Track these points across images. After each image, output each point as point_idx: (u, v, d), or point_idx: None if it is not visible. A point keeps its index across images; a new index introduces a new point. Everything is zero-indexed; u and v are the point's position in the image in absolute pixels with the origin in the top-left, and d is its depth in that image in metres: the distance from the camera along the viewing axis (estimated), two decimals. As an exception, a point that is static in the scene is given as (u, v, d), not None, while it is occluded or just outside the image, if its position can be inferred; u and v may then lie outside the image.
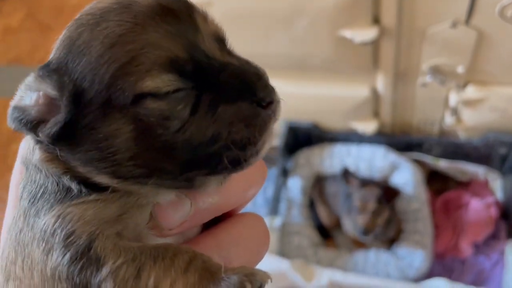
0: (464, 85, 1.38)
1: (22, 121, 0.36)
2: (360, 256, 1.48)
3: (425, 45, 1.25)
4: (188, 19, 0.37)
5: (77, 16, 0.38)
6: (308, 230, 1.55)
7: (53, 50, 0.38)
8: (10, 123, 0.36)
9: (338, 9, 1.17)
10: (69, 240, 0.35)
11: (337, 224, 1.59)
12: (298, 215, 1.56)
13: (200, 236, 0.43)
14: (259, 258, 0.44)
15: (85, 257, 0.34)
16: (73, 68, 0.35)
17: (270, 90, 0.37)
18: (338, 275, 1.35)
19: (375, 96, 1.46)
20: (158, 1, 0.37)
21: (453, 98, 1.41)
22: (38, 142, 0.38)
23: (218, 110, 0.36)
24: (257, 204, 1.67)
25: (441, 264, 1.51)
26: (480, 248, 1.52)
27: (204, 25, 0.38)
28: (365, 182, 1.51)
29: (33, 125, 0.36)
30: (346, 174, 1.52)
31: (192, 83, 0.36)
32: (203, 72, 0.36)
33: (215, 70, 0.37)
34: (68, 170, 0.37)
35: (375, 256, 1.48)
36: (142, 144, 0.36)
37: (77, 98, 0.35)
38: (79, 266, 0.34)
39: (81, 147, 0.36)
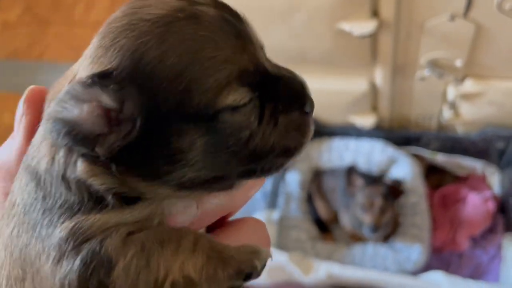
0: (462, 79, 1.38)
1: (77, 136, 0.32)
2: (358, 250, 1.49)
3: (423, 38, 1.25)
4: (244, 30, 0.38)
5: (124, 16, 0.36)
6: (306, 223, 1.55)
7: (101, 56, 0.35)
8: (57, 138, 0.33)
9: (337, 2, 1.17)
10: (82, 246, 0.33)
11: (335, 218, 1.60)
12: (296, 209, 1.56)
13: None
14: None
15: (96, 258, 0.33)
16: (143, 82, 0.34)
17: (312, 101, 0.41)
18: (336, 268, 1.36)
19: (374, 90, 1.46)
20: (221, 13, 0.37)
21: (451, 92, 1.41)
22: (84, 155, 0.35)
23: (278, 120, 0.39)
24: (255, 198, 1.67)
25: (439, 258, 1.51)
26: (477, 242, 1.52)
27: (252, 35, 0.39)
28: (369, 181, 1.51)
29: (90, 139, 0.33)
30: (350, 173, 1.52)
31: (256, 92, 0.37)
32: (263, 82, 0.38)
33: (272, 81, 0.39)
34: (115, 186, 0.35)
35: (373, 250, 1.48)
36: (211, 155, 0.36)
37: (144, 112, 0.34)
38: (90, 270, 0.33)
39: (147, 162, 0.35)
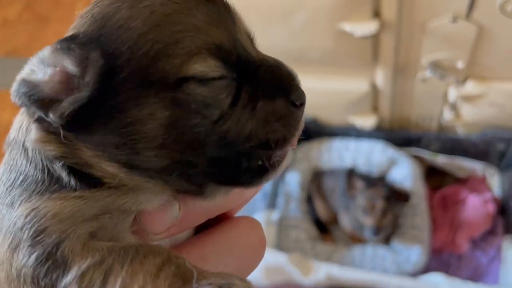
0: (464, 80, 1.37)
1: (32, 97, 0.32)
2: (357, 251, 1.49)
3: (425, 40, 1.25)
4: (228, 12, 0.36)
5: None
6: (305, 224, 1.55)
7: (77, 24, 0.35)
8: (15, 98, 0.32)
9: (338, 2, 1.17)
10: (37, 238, 0.32)
11: (335, 219, 1.59)
12: (296, 210, 1.56)
13: (186, 244, 0.39)
14: (251, 269, 0.41)
15: (52, 258, 0.31)
16: (107, 43, 0.32)
17: (302, 92, 0.37)
18: (335, 270, 1.36)
19: (374, 90, 1.45)
20: None
21: (452, 93, 1.41)
22: (38, 120, 0.34)
23: (257, 105, 0.35)
24: (255, 198, 1.66)
25: (438, 259, 1.51)
26: (477, 243, 1.52)
27: (238, 21, 0.37)
28: (370, 182, 1.50)
29: (44, 103, 0.32)
30: (350, 176, 1.51)
31: (232, 73, 0.35)
32: (243, 64, 0.36)
33: (254, 65, 0.36)
34: (66, 155, 0.34)
35: (372, 251, 1.48)
36: (173, 133, 0.33)
37: (106, 77, 0.32)
38: (44, 269, 0.31)
39: (97, 130, 0.33)
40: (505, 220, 1.53)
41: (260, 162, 0.36)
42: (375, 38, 1.25)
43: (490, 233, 1.53)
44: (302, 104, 0.37)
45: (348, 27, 1.20)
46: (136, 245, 0.33)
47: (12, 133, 0.37)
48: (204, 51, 0.33)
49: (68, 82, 0.32)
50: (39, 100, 0.32)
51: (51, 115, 0.32)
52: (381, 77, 1.40)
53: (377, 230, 1.43)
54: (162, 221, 0.37)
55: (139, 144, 0.33)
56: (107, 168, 0.34)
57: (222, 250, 0.39)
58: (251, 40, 0.38)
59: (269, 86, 0.36)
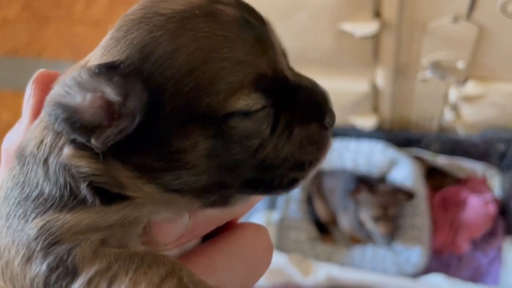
0: (464, 81, 1.37)
1: (74, 124, 0.31)
2: (357, 251, 1.48)
3: (425, 40, 1.25)
4: (266, 34, 0.36)
5: (140, 10, 0.34)
6: (305, 224, 1.54)
7: (112, 47, 0.34)
8: (54, 123, 0.32)
9: (339, 2, 1.16)
10: (51, 249, 0.32)
11: (334, 219, 1.59)
12: (296, 210, 1.55)
13: (194, 253, 0.39)
14: (258, 277, 0.41)
15: (62, 265, 0.32)
16: (151, 77, 0.32)
17: (333, 114, 0.38)
18: (335, 270, 1.36)
19: (375, 91, 1.45)
20: (241, 13, 0.35)
21: (453, 94, 1.40)
22: (74, 141, 0.33)
23: (294, 131, 0.36)
24: (254, 199, 1.66)
25: (439, 260, 1.51)
26: (477, 244, 1.52)
27: (274, 40, 0.37)
28: (376, 188, 1.50)
29: (87, 129, 0.32)
30: (358, 182, 1.50)
31: (271, 100, 0.35)
32: (281, 90, 0.36)
33: (291, 89, 0.37)
34: (98, 173, 0.34)
35: (372, 252, 1.48)
36: (214, 161, 0.34)
37: (149, 109, 0.32)
38: (55, 275, 0.32)
39: (139, 154, 0.33)
40: (506, 221, 1.53)
41: (291, 179, 0.38)
42: (375, 38, 1.25)
43: (491, 234, 1.53)
44: (333, 124, 0.39)
45: (348, 27, 1.19)
46: (142, 253, 0.33)
47: (29, 147, 0.35)
48: (248, 85, 0.34)
49: (108, 109, 0.32)
50: (82, 127, 0.31)
51: (93, 141, 0.32)
52: (381, 77, 1.39)
53: (390, 237, 1.44)
54: (172, 232, 0.37)
55: (180, 171, 0.34)
56: (145, 188, 0.34)
57: (230, 259, 0.39)
58: (286, 58, 0.39)
59: (305, 111, 0.37)
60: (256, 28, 0.35)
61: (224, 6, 0.35)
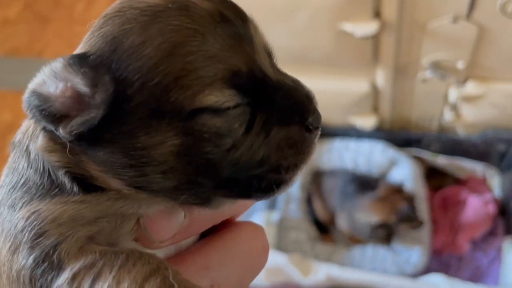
0: (464, 81, 1.37)
1: (43, 112, 0.32)
2: (357, 251, 1.48)
3: (425, 40, 1.25)
4: (245, 29, 0.35)
5: (118, 4, 0.35)
6: (305, 224, 1.54)
7: (88, 40, 0.34)
8: (26, 109, 0.32)
9: (339, 3, 1.16)
10: (37, 241, 0.32)
11: (333, 220, 1.59)
12: (296, 210, 1.55)
13: (190, 252, 0.39)
14: (253, 276, 0.41)
15: (48, 260, 0.32)
16: (118, 70, 0.32)
17: (318, 115, 0.37)
18: (335, 270, 1.36)
19: (375, 91, 1.45)
20: (218, 8, 0.34)
21: (453, 94, 1.40)
22: (45, 129, 0.34)
23: (271, 132, 0.35)
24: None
25: (439, 260, 1.51)
26: (477, 244, 1.52)
27: (256, 37, 0.36)
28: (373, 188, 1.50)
29: (55, 118, 0.32)
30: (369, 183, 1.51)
31: (247, 99, 0.34)
32: (259, 88, 0.35)
33: (270, 88, 0.35)
34: (70, 166, 0.34)
35: (372, 252, 1.48)
36: (183, 159, 0.33)
37: (115, 101, 0.32)
38: (41, 270, 0.32)
39: (105, 148, 0.33)
40: (506, 221, 1.53)
41: (270, 182, 0.36)
42: (375, 39, 1.25)
43: (491, 234, 1.53)
44: (317, 128, 0.37)
45: (348, 27, 1.20)
46: (128, 251, 0.33)
47: (18, 135, 0.37)
48: (219, 81, 0.32)
49: (78, 100, 0.32)
50: (50, 115, 0.32)
51: (60, 130, 0.32)
52: (381, 77, 1.40)
53: (388, 244, 1.42)
54: (167, 229, 0.37)
55: (147, 167, 0.33)
56: (112, 184, 0.35)
57: (226, 258, 0.39)
58: (269, 56, 0.37)
59: (284, 111, 0.35)
60: (233, 24, 0.34)
61: (200, 0, 0.34)
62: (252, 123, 0.35)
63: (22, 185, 0.35)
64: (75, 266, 0.32)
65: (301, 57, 1.32)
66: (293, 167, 0.36)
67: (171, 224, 0.37)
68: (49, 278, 0.32)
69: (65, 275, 0.31)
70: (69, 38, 2.25)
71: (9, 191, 0.35)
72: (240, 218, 0.43)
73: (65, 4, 2.38)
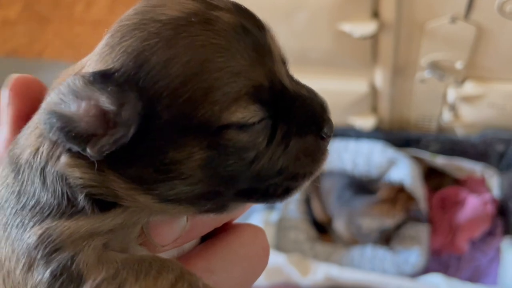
0: (463, 81, 1.37)
1: (70, 133, 0.31)
2: (356, 252, 1.49)
3: (424, 40, 1.25)
4: (264, 42, 0.35)
5: (136, 15, 0.34)
6: (304, 224, 1.55)
7: (107, 53, 0.33)
8: (48, 132, 0.31)
9: (338, 3, 1.17)
10: (52, 256, 0.32)
11: (331, 220, 1.59)
12: (295, 210, 1.56)
13: (191, 256, 0.39)
14: (255, 278, 0.42)
15: (66, 272, 0.31)
16: (145, 87, 0.32)
17: (331, 124, 0.38)
18: (334, 270, 1.36)
19: (374, 91, 1.46)
20: (239, 20, 0.34)
21: (451, 94, 1.41)
22: (71, 150, 0.33)
23: (290, 143, 0.36)
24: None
25: (437, 261, 1.51)
26: (476, 244, 1.52)
27: (274, 47, 0.36)
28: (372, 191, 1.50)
29: (82, 138, 0.31)
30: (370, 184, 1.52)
31: (269, 112, 0.35)
32: (279, 101, 0.35)
33: (289, 100, 0.36)
34: (94, 184, 0.33)
35: (371, 252, 1.48)
36: (208, 172, 0.34)
37: (143, 118, 0.32)
38: (59, 283, 0.31)
39: (134, 164, 0.33)
40: (504, 221, 1.53)
41: (285, 189, 0.38)
42: (374, 39, 1.25)
43: (489, 234, 1.53)
44: (330, 134, 0.38)
45: (347, 27, 1.20)
46: (149, 259, 0.33)
47: (24, 155, 0.35)
48: (244, 96, 0.33)
49: (103, 118, 0.31)
50: (77, 136, 0.31)
51: (88, 150, 0.32)
52: (380, 77, 1.40)
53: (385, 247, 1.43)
54: (169, 233, 0.37)
55: (176, 181, 0.34)
56: (141, 199, 0.34)
57: (227, 261, 0.39)
58: (285, 65, 0.38)
59: (302, 122, 0.36)
60: (254, 36, 0.34)
61: (221, 12, 0.34)
62: (273, 135, 0.36)
63: (33, 206, 0.33)
64: (98, 277, 0.31)
65: (300, 57, 1.32)
66: (308, 174, 0.37)
67: (173, 228, 0.37)
68: None
69: (88, 287, 0.31)
70: (69, 39, 2.25)
71: (15, 212, 0.34)
72: (239, 219, 0.44)
73: (65, 4, 2.38)
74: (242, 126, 0.33)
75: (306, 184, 0.38)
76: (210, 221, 0.39)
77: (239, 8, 0.36)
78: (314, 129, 0.37)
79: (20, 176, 0.34)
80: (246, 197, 0.37)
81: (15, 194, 0.34)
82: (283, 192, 0.37)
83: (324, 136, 0.38)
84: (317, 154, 0.37)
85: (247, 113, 0.33)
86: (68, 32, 2.29)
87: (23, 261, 0.32)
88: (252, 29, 0.35)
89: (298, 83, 0.38)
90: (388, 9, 1.18)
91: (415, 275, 1.42)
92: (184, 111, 0.32)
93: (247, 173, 0.35)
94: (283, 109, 0.36)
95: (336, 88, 1.45)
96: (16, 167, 0.35)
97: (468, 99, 1.40)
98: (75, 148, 0.32)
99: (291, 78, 0.38)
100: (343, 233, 1.54)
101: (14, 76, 0.39)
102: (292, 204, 1.57)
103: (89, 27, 2.25)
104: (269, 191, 0.37)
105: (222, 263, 0.39)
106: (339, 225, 1.53)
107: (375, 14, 1.20)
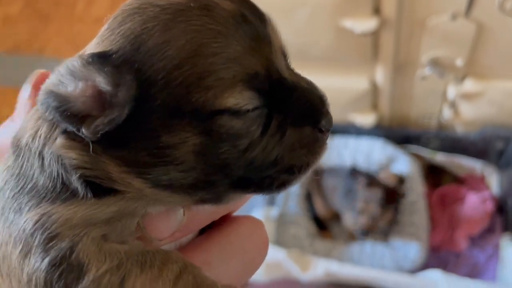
0: (463, 78, 1.38)
1: (64, 113, 0.31)
2: (356, 248, 1.49)
3: (424, 37, 1.25)
4: (264, 30, 0.35)
5: (135, 1, 0.34)
6: (304, 221, 1.55)
7: (106, 37, 0.34)
8: (45, 111, 0.32)
9: (339, -1, 1.17)
10: (50, 244, 0.32)
11: (333, 216, 1.60)
12: (295, 206, 1.56)
13: (190, 248, 0.39)
14: (254, 270, 0.41)
15: (66, 262, 0.31)
16: (141, 69, 0.32)
17: (330, 118, 0.38)
18: (334, 266, 1.36)
19: (374, 88, 1.46)
20: (238, 8, 0.34)
21: (451, 91, 1.41)
22: (66, 130, 0.33)
23: (285, 133, 0.36)
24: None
25: (436, 257, 1.51)
26: (475, 241, 1.53)
27: (274, 38, 0.36)
28: (370, 180, 1.51)
29: (77, 118, 0.31)
30: (354, 173, 1.53)
31: (265, 100, 0.35)
32: (275, 90, 0.35)
33: (286, 90, 0.36)
34: (87, 166, 0.33)
35: (370, 248, 1.49)
36: (202, 158, 0.34)
37: (138, 100, 0.32)
38: (58, 273, 0.31)
39: (130, 148, 0.33)
40: (503, 218, 1.54)
41: (282, 181, 0.37)
42: (375, 35, 1.25)
43: (488, 231, 1.54)
44: (328, 130, 0.38)
45: (348, 23, 1.20)
46: (153, 251, 0.33)
47: (25, 138, 0.35)
48: (239, 83, 0.33)
49: (99, 98, 0.32)
50: (72, 116, 0.31)
51: (83, 131, 0.32)
52: (380, 74, 1.40)
53: (365, 232, 1.45)
54: (166, 227, 0.37)
55: (169, 166, 0.33)
56: (134, 183, 0.34)
57: (226, 253, 0.39)
58: (285, 57, 0.38)
59: (299, 113, 0.36)
60: (253, 25, 0.34)
61: (220, 0, 0.34)
62: (268, 125, 0.35)
63: (30, 189, 0.34)
64: (101, 267, 0.31)
65: (301, 53, 1.33)
66: (305, 167, 0.37)
67: (170, 222, 0.37)
68: (69, 280, 0.31)
69: (90, 277, 0.31)
70: (70, 36, 2.25)
71: (13, 196, 0.34)
72: (238, 213, 0.43)
73: (66, 2, 2.39)
74: (235, 113, 0.33)
75: (304, 177, 0.37)
76: (207, 214, 0.39)
77: None
78: (311, 121, 0.37)
79: (20, 159, 0.35)
80: (242, 188, 0.36)
81: (14, 176, 0.34)
82: (280, 185, 0.37)
83: (323, 129, 0.37)
84: (314, 146, 0.37)
85: (241, 100, 0.33)
86: (69, 29, 2.29)
87: (20, 247, 0.32)
88: (252, 19, 0.35)
89: (298, 76, 0.38)
90: (389, 6, 1.18)
91: (414, 271, 1.43)
92: (178, 94, 0.32)
93: (240, 162, 0.35)
94: (280, 100, 0.35)
95: (337, 85, 1.45)
96: (16, 150, 0.35)
97: (468, 97, 1.40)
98: (70, 128, 0.32)
99: (291, 70, 0.38)
100: (352, 226, 1.54)
101: (36, 71, 0.40)
102: (293, 200, 1.57)
103: (90, 25, 2.25)
104: (265, 182, 0.36)
105: (220, 256, 0.39)
106: (349, 218, 1.53)
107: (376, 11, 1.21)
